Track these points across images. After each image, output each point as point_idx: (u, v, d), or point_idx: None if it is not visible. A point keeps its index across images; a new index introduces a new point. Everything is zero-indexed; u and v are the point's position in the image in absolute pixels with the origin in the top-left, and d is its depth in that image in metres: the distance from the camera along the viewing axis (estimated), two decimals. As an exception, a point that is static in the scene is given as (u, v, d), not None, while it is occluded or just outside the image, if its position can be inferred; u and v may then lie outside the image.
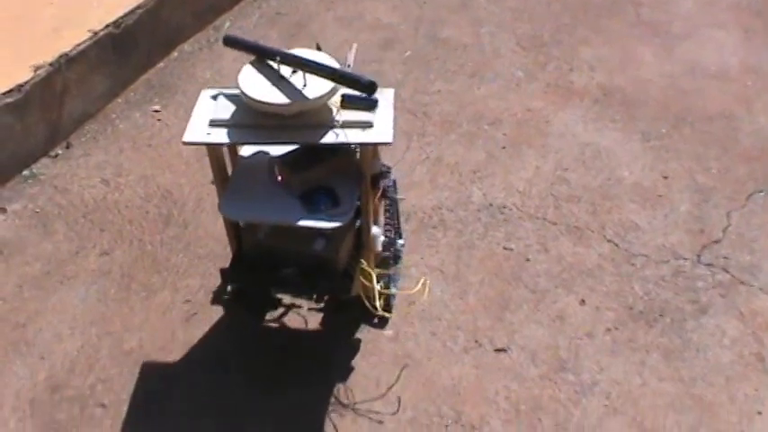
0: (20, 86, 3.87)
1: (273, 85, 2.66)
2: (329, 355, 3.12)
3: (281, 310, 3.24)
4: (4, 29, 4.24)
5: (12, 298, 3.36)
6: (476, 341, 3.13)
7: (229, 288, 3.31)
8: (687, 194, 3.75)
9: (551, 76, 4.54)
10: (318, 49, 2.81)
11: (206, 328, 3.20)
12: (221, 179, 2.87)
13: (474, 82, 4.51)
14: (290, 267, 2.87)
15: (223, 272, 3.05)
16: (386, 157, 3.42)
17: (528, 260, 3.45)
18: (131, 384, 3.02)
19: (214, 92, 2.80)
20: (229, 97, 2.77)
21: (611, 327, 3.18)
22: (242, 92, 2.66)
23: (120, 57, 4.42)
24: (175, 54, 4.82)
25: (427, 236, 3.55)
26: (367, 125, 2.64)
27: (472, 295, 3.29)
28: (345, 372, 3.05)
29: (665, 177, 3.84)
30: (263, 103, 2.62)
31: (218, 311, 3.26)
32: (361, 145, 2.72)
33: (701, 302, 3.26)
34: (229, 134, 2.66)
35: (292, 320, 3.23)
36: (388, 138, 2.63)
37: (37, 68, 3.96)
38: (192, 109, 2.75)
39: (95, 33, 4.24)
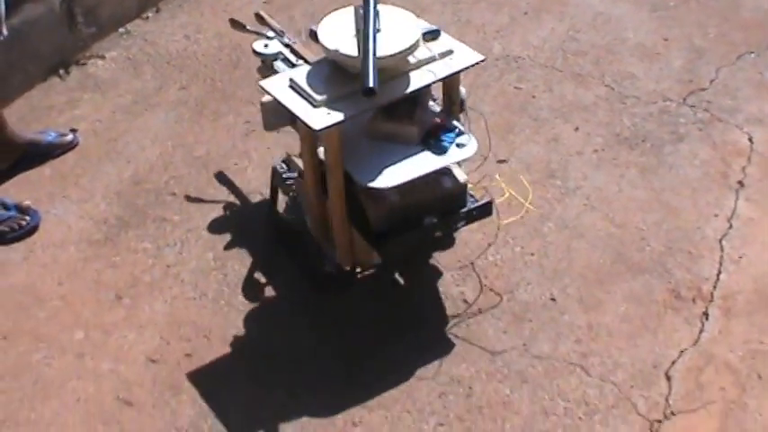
0: (121, -45, 4.37)
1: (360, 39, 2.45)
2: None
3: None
4: None
5: (106, 120, 3.89)
6: (481, 155, 3.52)
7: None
8: (683, 53, 4.04)
9: (577, -41, 4.82)
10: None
11: (259, 143, 3.66)
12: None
13: (506, -39, 4.83)
14: (428, 218, 2.65)
15: (382, 248, 2.69)
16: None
17: (534, 97, 3.81)
18: (197, 180, 3.53)
19: (279, 80, 2.60)
20: (301, 75, 2.54)
21: (598, 148, 3.54)
22: (341, 54, 2.45)
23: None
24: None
25: (450, 77, 3.94)
26: (450, 53, 2.59)
27: (483, 121, 3.68)
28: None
29: (666, 39, 4.13)
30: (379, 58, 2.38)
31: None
32: (459, 72, 2.61)
33: (679, 133, 3.59)
34: (344, 108, 2.42)
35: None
36: (479, 56, 2.60)
37: (137, -58, 4.47)
38: None
39: None
